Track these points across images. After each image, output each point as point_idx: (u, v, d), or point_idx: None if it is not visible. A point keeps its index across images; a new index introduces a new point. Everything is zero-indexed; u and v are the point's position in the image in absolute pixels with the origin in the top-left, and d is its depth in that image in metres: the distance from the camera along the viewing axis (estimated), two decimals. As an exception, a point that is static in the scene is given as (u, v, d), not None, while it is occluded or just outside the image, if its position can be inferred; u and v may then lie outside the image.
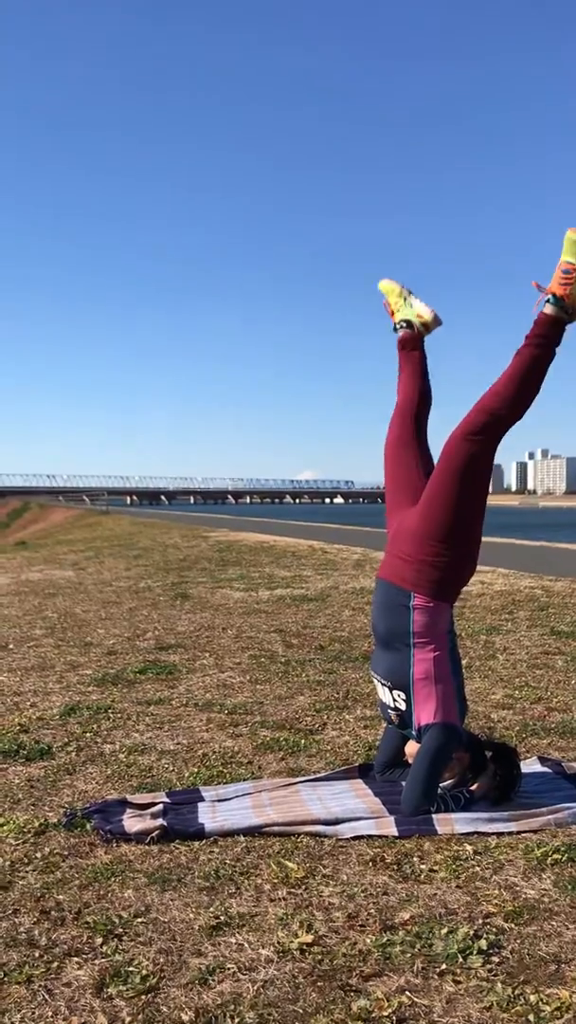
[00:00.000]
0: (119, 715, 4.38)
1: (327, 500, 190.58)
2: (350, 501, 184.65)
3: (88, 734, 4.05)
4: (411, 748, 3.12)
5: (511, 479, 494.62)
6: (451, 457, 3.06)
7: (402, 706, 3.07)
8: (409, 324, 3.55)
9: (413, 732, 3.06)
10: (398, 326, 3.56)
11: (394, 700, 3.09)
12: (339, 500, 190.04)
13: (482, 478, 3.11)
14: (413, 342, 3.54)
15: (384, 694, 3.14)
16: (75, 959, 2.10)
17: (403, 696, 3.05)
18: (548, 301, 2.96)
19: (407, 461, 3.35)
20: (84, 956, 2.12)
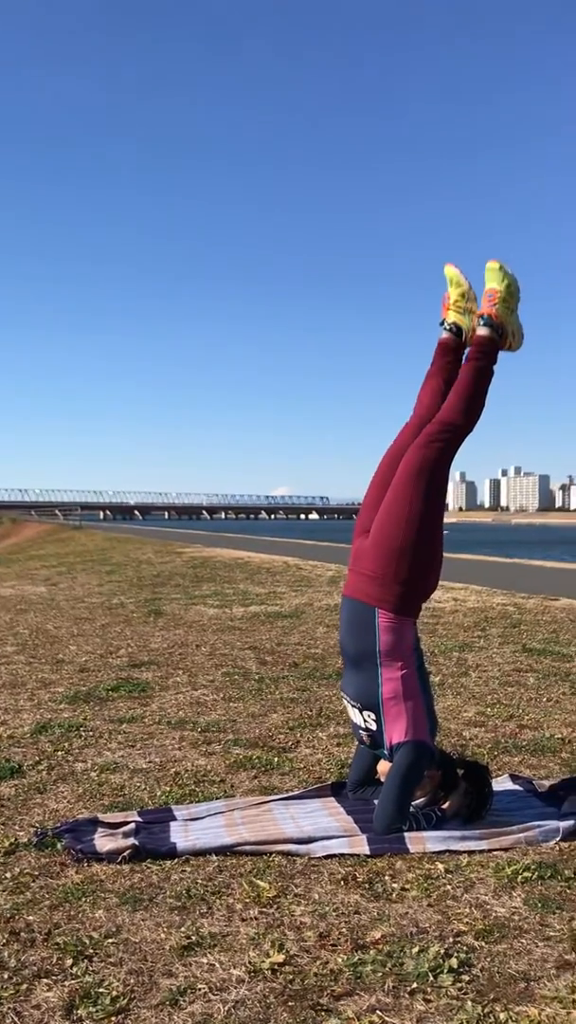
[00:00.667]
0: (91, 733, 4.36)
1: (302, 516, 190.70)
2: (325, 517, 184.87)
3: (59, 752, 4.03)
4: (383, 767, 3.13)
5: (484, 496, 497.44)
6: (409, 470, 3.12)
7: (373, 726, 3.08)
8: (458, 331, 3.35)
9: (385, 752, 3.07)
10: (446, 327, 3.36)
11: (365, 720, 3.10)
12: (314, 516, 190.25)
13: (440, 489, 3.17)
14: (453, 352, 3.35)
15: (355, 715, 3.15)
16: (45, 980, 2.09)
17: (373, 716, 3.07)
18: (481, 322, 3.25)
19: (390, 478, 3.22)
20: (54, 977, 2.10)
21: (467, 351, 3.31)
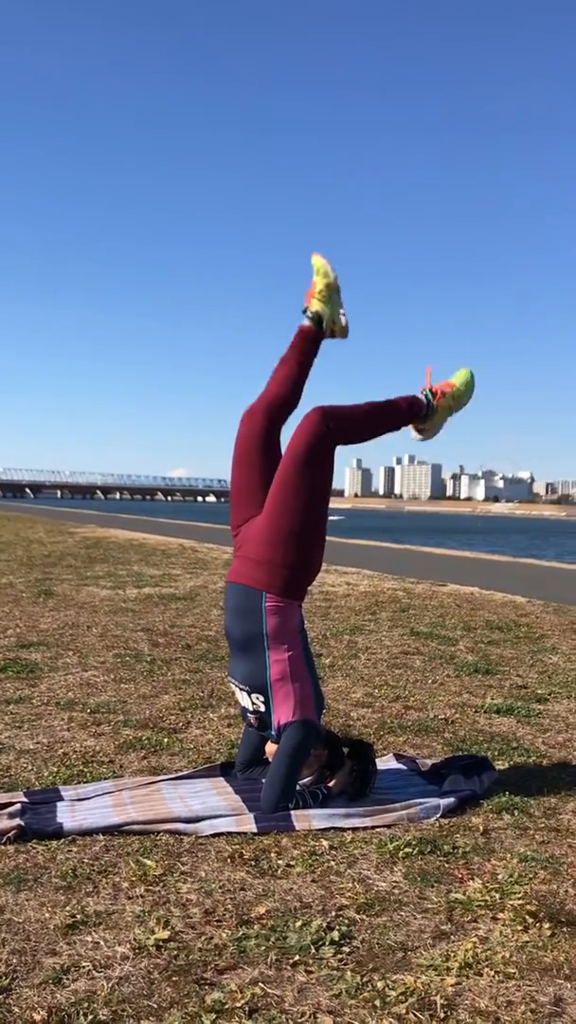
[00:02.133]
0: (-24, 714, 4.27)
1: (199, 498, 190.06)
2: (222, 500, 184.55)
3: (-57, 733, 3.93)
4: (271, 747, 3.17)
5: (379, 483, 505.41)
6: (295, 453, 3.14)
7: (261, 708, 3.12)
8: (319, 320, 3.37)
9: (273, 733, 3.12)
10: (309, 315, 3.36)
11: (253, 703, 3.14)
12: (211, 499, 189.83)
13: (326, 474, 3.21)
14: (312, 341, 3.39)
15: (243, 698, 3.19)
16: None
17: (261, 698, 3.11)
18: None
19: (257, 461, 3.26)
20: None
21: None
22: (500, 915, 2.35)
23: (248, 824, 2.90)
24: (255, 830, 2.87)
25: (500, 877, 2.57)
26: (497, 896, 2.45)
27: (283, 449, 3.22)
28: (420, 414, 3.37)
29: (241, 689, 3.18)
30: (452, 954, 2.14)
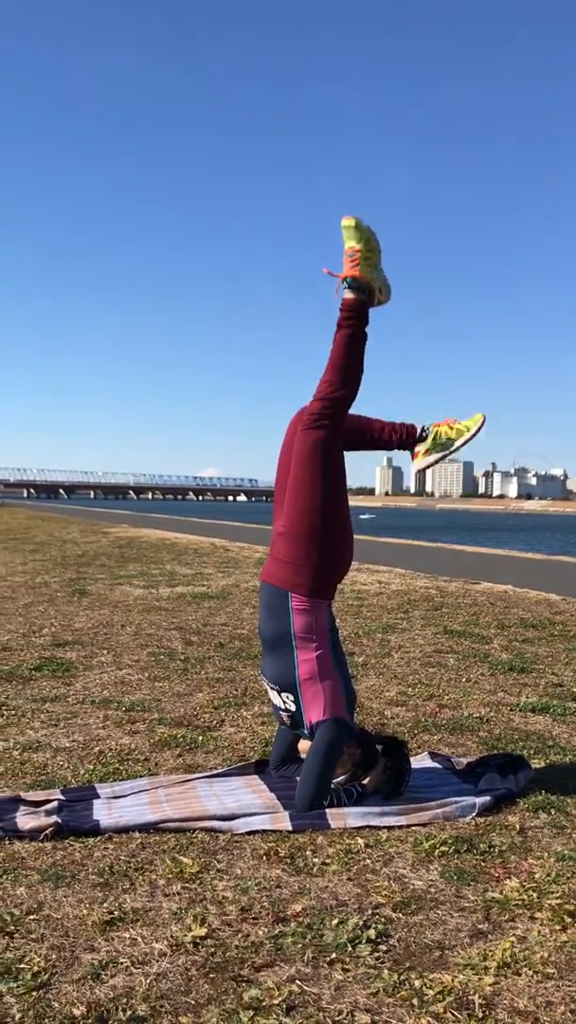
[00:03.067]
0: (13, 712, 4.31)
1: (230, 498, 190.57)
2: (253, 499, 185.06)
3: (-19, 731, 3.97)
4: (304, 745, 3.18)
5: (410, 481, 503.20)
6: (300, 451, 3.11)
7: (292, 707, 3.12)
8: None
9: (305, 731, 3.12)
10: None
11: (284, 702, 3.14)
12: (242, 498, 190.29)
13: (335, 466, 3.14)
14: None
15: (275, 697, 3.19)
16: (-35, 958, 2.08)
17: (291, 697, 3.11)
18: (346, 286, 3.10)
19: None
20: (-26, 955, 2.09)
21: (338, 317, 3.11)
22: (538, 914, 2.33)
23: (284, 822, 2.90)
24: (290, 828, 2.87)
25: (537, 876, 2.55)
26: (535, 895, 2.43)
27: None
28: (366, 310, 3.12)
29: (272, 688, 3.19)
30: (490, 953, 2.13)
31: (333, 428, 3.10)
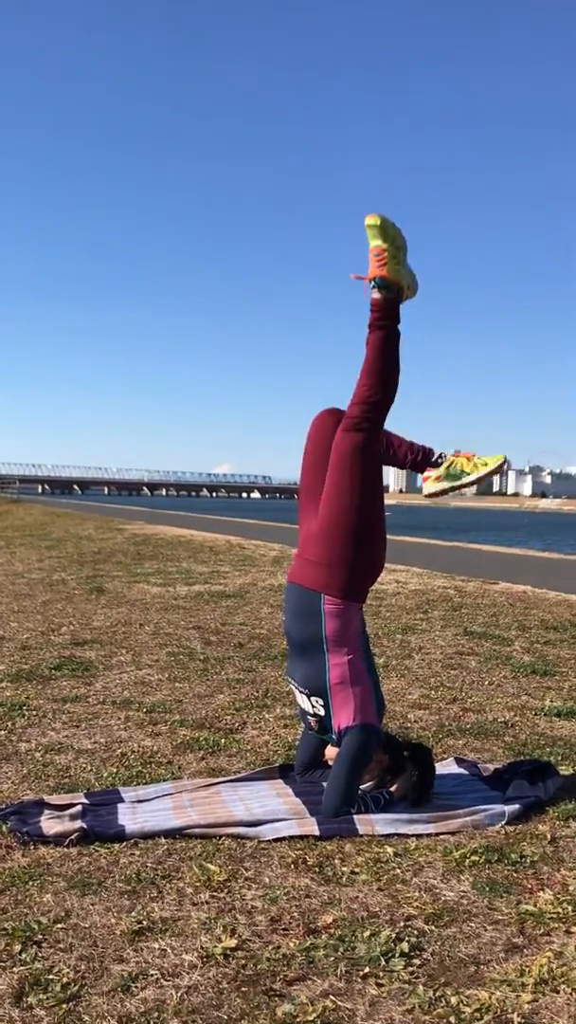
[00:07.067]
0: (34, 712, 4.29)
1: (244, 495, 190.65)
2: (267, 496, 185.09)
3: (2, 732, 3.95)
4: (331, 751, 3.14)
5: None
6: (340, 454, 3.06)
7: (321, 712, 3.08)
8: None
9: (333, 736, 3.08)
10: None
11: (313, 706, 3.10)
12: (256, 495, 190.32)
13: (373, 470, 3.10)
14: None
15: (303, 701, 3.15)
16: (-8, 967, 2.05)
17: (321, 702, 3.07)
18: (374, 286, 3.03)
19: (324, 464, 3.14)
20: (2, 964, 2.06)
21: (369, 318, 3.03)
22: (574, 928, 2.28)
23: (311, 827, 2.86)
24: (318, 833, 2.83)
25: (572, 889, 2.50)
26: (570, 908, 2.38)
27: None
28: (397, 309, 3.05)
29: (300, 691, 3.14)
30: (526, 969, 2.08)
31: (373, 431, 3.06)
